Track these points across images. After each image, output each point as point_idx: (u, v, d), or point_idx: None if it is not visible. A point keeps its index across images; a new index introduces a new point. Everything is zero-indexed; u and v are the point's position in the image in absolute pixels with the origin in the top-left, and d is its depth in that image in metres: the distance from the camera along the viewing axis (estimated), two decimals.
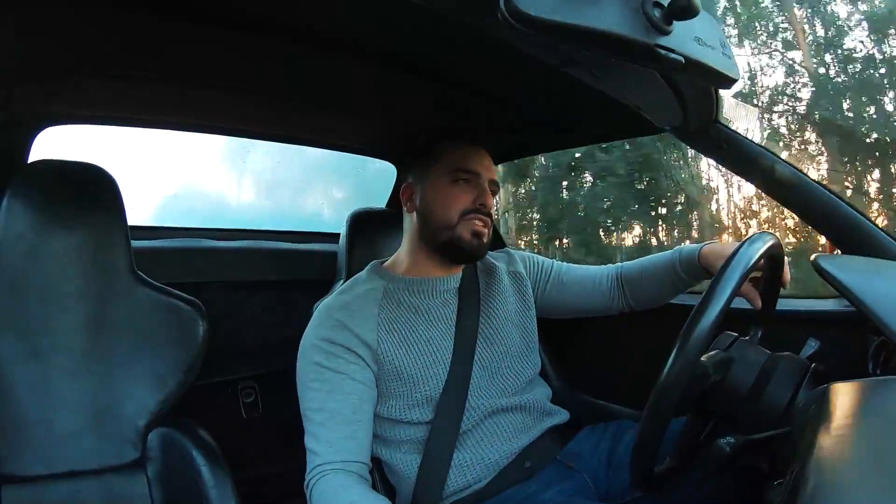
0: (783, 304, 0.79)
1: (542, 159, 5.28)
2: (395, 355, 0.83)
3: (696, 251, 0.88)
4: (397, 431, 0.84)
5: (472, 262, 0.94)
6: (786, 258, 0.74)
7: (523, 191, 5.81)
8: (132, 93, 0.93)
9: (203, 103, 1.01)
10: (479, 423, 0.84)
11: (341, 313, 0.84)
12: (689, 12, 0.46)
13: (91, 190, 0.82)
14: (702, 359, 0.60)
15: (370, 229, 1.14)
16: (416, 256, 0.92)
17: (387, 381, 0.83)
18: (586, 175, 5.28)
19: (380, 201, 1.43)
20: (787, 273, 0.75)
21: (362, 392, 0.81)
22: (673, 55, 0.47)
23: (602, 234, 5.39)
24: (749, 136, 0.93)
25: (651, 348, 0.73)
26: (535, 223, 5.84)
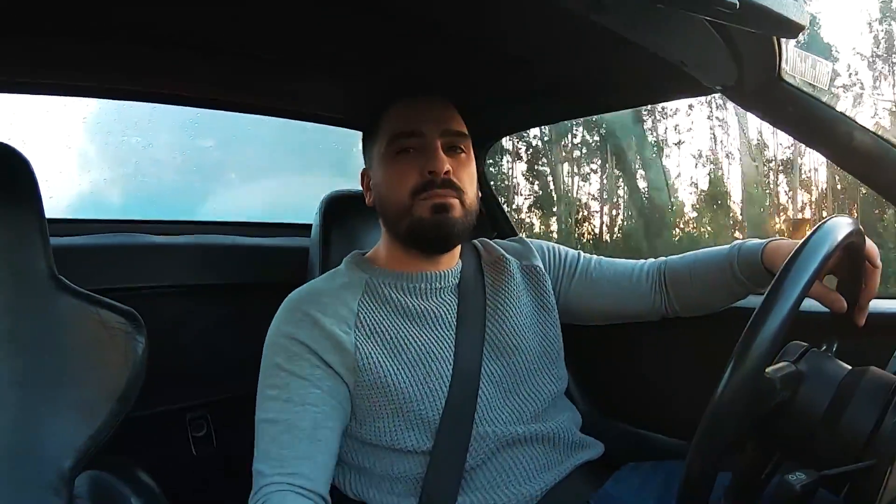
0: None
1: None
2: (378, 362, 0.83)
3: (760, 248, 0.86)
4: (389, 464, 0.83)
5: (447, 244, 0.90)
6: (875, 248, 0.73)
7: None
8: (45, 52, 0.92)
9: (135, 64, 1.00)
10: (490, 457, 0.84)
11: (310, 306, 0.84)
12: None
13: (0, 175, 0.82)
14: (766, 371, 0.60)
15: (349, 217, 1.14)
16: (394, 252, 0.93)
17: (369, 397, 0.83)
18: None
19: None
20: (877, 265, 0.74)
21: (327, 405, 0.81)
22: None
23: None
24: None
25: (703, 362, 0.73)
26: None
